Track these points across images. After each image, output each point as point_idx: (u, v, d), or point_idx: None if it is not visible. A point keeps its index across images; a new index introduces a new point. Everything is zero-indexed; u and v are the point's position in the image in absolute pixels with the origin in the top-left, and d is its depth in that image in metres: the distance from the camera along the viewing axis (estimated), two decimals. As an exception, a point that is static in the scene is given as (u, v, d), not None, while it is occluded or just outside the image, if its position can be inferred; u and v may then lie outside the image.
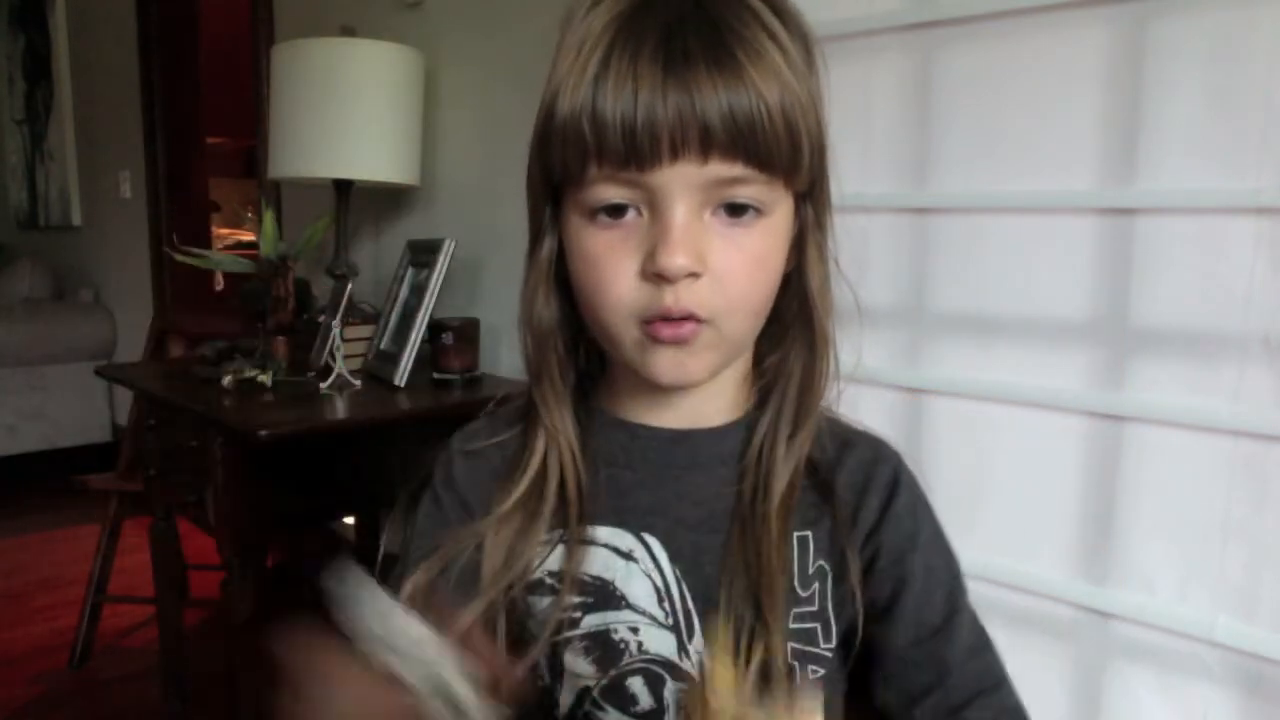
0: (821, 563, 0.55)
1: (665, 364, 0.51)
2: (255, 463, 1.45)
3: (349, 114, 1.74)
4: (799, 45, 0.51)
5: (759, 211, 0.50)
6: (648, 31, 0.47)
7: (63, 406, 3.55)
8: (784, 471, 0.54)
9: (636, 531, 0.55)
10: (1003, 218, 0.98)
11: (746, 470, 0.56)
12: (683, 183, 0.48)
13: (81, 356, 3.54)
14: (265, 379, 1.61)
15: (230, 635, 1.49)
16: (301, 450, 1.50)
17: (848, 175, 1.12)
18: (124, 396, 3.32)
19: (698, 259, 0.48)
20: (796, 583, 0.54)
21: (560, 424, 0.56)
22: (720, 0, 0.49)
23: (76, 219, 3.90)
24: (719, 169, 0.47)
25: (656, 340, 0.50)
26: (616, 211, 0.49)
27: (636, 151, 0.47)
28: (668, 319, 0.49)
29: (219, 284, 3.36)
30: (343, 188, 1.85)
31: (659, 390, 0.54)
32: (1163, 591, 0.90)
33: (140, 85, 3.24)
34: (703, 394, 0.56)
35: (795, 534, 0.55)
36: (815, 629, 0.54)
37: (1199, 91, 0.84)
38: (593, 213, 0.50)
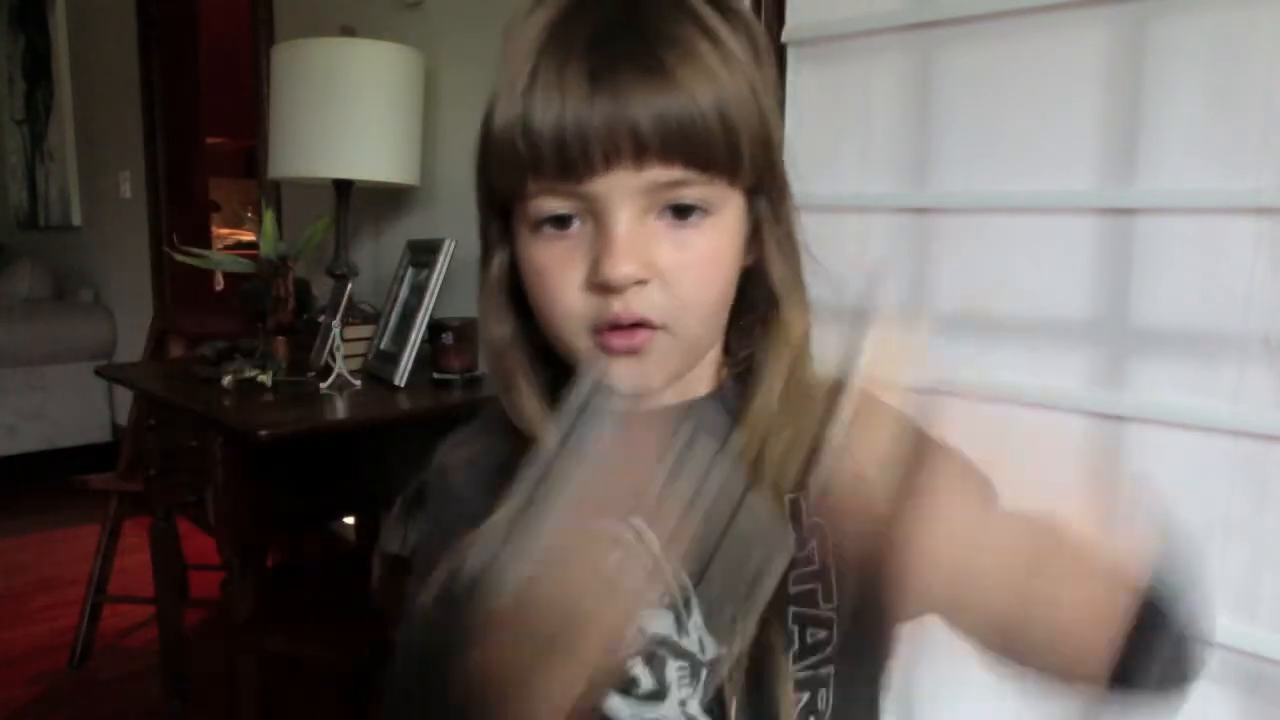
0: (811, 522, 0.53)
1: (622, 373, 0.50)
2: (255, 463, 1.45)
3: (349, 114, 1.74)
4: (741, 37, 0.50)
5: (705, 211, 0.49)
6: (575, 40, 0.47)
7: (63, 406, 3.55)
8: (773, 462, 0.53)
9: (621, 517, 0.55)
10: (1003, 218, 0.98)
11: (725, 450, 0.54)
12: (621, 190, 0.47)
13: (81, 356, 3.54)
14: (265, 379, 1.60)
15: (230, 635, 1.49)
16: (301, 450, 1.50)
17: (848, 175, 1.13)
18: (124, 396, 3.32)
19: (644, 265, 0.47)
20: (796, 540, 0.52)
21: (536, 428, 0.55)
22: (648, 2, 0.48)
23: (76, 219, 3.90)
24: (657, 174, 0.47)
25: (609, 350, 0.49)
26: (561, 222, 0.49)
27: (570, 163, 0.47)
28: (618, 327, 0.49)
29: (219, 284, 3.37)
30: (343, 188, 1.85)
31: None
32: (1163, 591, 0.90)
33: (140, 85, 3.24)
34: (673, 387, 0.55)
35: (786, 498, 0.53)
36: (815, 589, 0.53)
37: (1199, 91, 0.84)
38: (538, 225, 0.50)
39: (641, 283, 0.48)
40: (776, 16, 1.17)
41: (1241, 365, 0.83)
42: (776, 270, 0.54)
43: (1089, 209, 0.92)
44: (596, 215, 0.48)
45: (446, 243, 1.67)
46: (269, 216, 1.80)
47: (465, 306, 1.85)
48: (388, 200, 2.09)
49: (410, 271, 1.76)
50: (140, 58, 3.23)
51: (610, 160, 0.46)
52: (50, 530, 3.00)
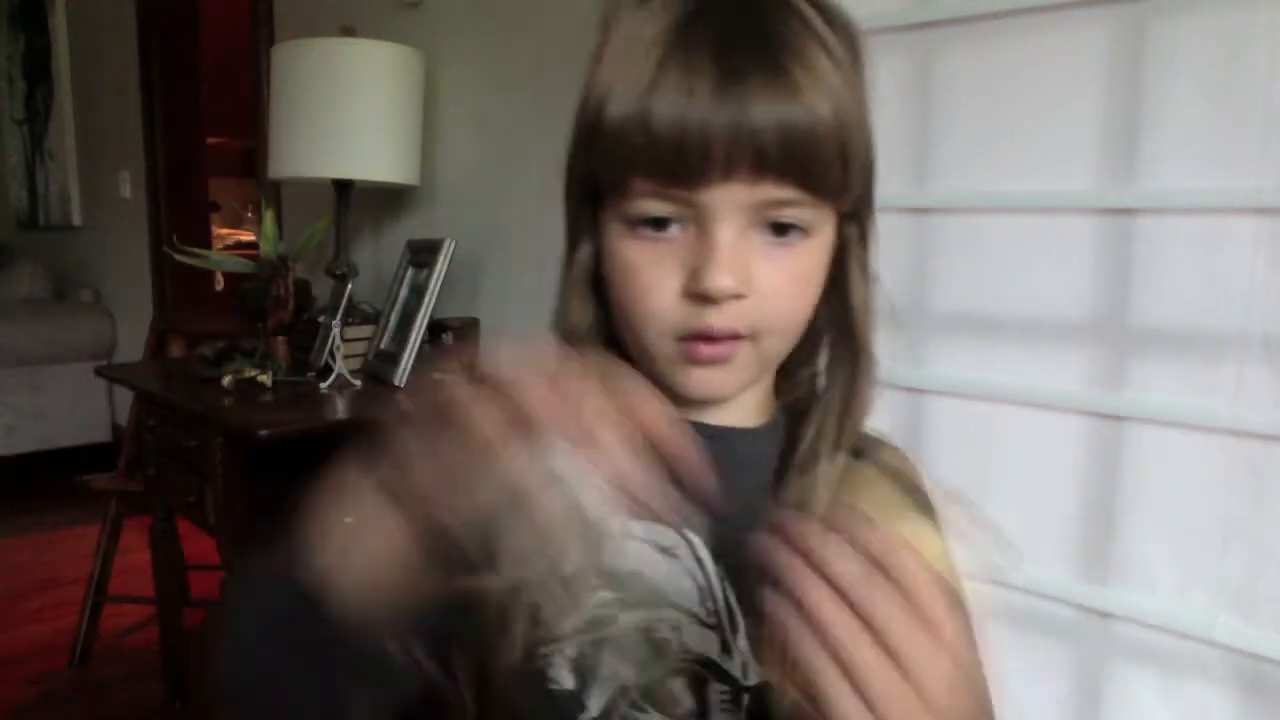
0: None
1: (698, 379, 0.50)
2: (255, 463, 1.45)
3: (349, 114, 1.74)
4: (845, 47, 0.49)
5: (804, 231, 0.49)
6: (703, 43, 0.46)
7: (63, 406, 3.55)
8: (826, 488, 0.52)
9: (678, 527, 0.53)
10: (1003, 218, 0.98)
11: (789, 481, 0.54)
12: (731, 202, 0.47)
13: (81, 356, 3.54)
14: (265, 379, 1.60)
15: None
16: (301, 450, 1.50)
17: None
18: (124, 396, 3.32)
19: (743, 280, 0.47)
20: None
21: None
22: (772, 10, 0.47)
23: (76, 219, 3.90)
24: (770, 191, 0.46)
25: (693, 359, 0.49)
26: (659, 224, 0.48)
27: (687, 168, 0.46)
28: (708, 338, 0.48)
29: (219, 284, 3.36)
30: (343, 188, 1.85)
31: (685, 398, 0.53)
32: (1163, 591, 0.90)
33: (140, 85, 3.24)
34: (732, 399, 0.55)
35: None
36: None
37: (1199, 91, 0.84)
38: (634, 223, 0.49)
39: (739, 297, 0.47)
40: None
41: (1241, 365, 0.83)
42: (858, 295, 0.54)
43: (1089, 209, 0.92)
44: (699, 223, 0.47)
45: (446, 243, 1.67)
46: (269, 216, 1.80)
47: (465, 306, 1.85)
48: (388, 200, 2.09)
49: (410, 271, 1.76)
50: (140, 58, 3.23)
51: (729, 171, 0.46)
52: (50, 530, 3.00)
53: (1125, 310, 0.90)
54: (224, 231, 4.53)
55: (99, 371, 1.93)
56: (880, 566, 0.36)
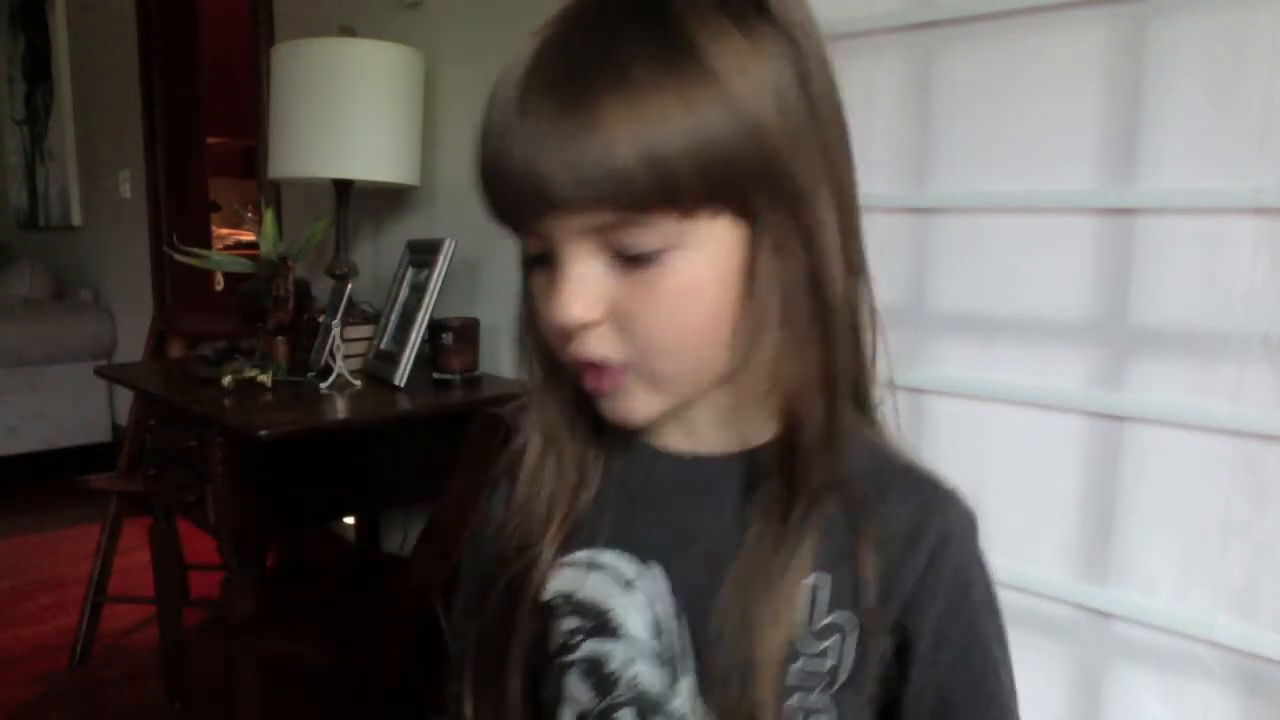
0: (836, 616, 0.49)
1: (605, 408, 0.49)
2: (255, 463, 1.45)
3: (349, 114, 1.74)
4: (760, 41, 0.44)
5: (665, 249, 0.44)
6: (518, 78, 0.44)
7: (63, 406, 3.55)
8: (799, 519, 0.48)
9: (643, 559, 0.52)
10: (1003, 218, 0.98)
11: (757, 509, 0.49)
12: (565, 230, 0.44)
13: (81, 356, 3.54)
14: (265, 379, 1.60)
15: (230, 635, 1.49)
16: (301, 450, 1.50)
17: (848, 175, 1.13)
18: (124, 396, 3.32)
19: (591, 307, 0.45)
20: (810, 631, 0.48)
21: (558, 433, 0.54)
22: (620, 29, 0.43)
23: (76, 219, 3.90)
24: (587, 219, 0.43)
25: (586, 386, 0.49)
26: (540, 258, 0.47)
27: (504, 207, 0.46)
28: (593, 367, 0.47)
29: (219, 284, 3.37)
30: (343, 188, 1.85)
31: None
32: (1163, 591, 0.90)
33: (140, 85, 3.24)
34: (706, 419, 0.52)
35: (812, 574, 0.48)
36: (823, 677, 0.49)
37: (1199, 91, 0.84)
38: (526, 258, 0.49)
39: (595, 324, 0.45)
40: (776, 16, 1.16)
41: (1241, 365, 0.83)
42: (827, 286, 0.47)
43: (1089, 209, 0.92)
44: (553, 254, 0.46)
45: (446, 243, 1.67)
46: (269, 216, 1.80)
47: (465, 306, 1.85)
48: (388, 200, 2.09)
49: (410, 271, 1.76)
50: (140, 58, 3.23)
51: (536, 207, 0.44)
52: (50, 530, 3.00)
53: (1125, 310, 0.90)
54: (224, 231, 4.52)
55: (99, 371, 1.93)
56: None
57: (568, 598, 0.52)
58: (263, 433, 1.32)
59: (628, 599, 0.51)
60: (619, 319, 0.45)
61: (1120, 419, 0.91)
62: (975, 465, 1.01)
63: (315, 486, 1.59)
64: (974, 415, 1.02)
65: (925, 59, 1.03)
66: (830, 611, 0.49)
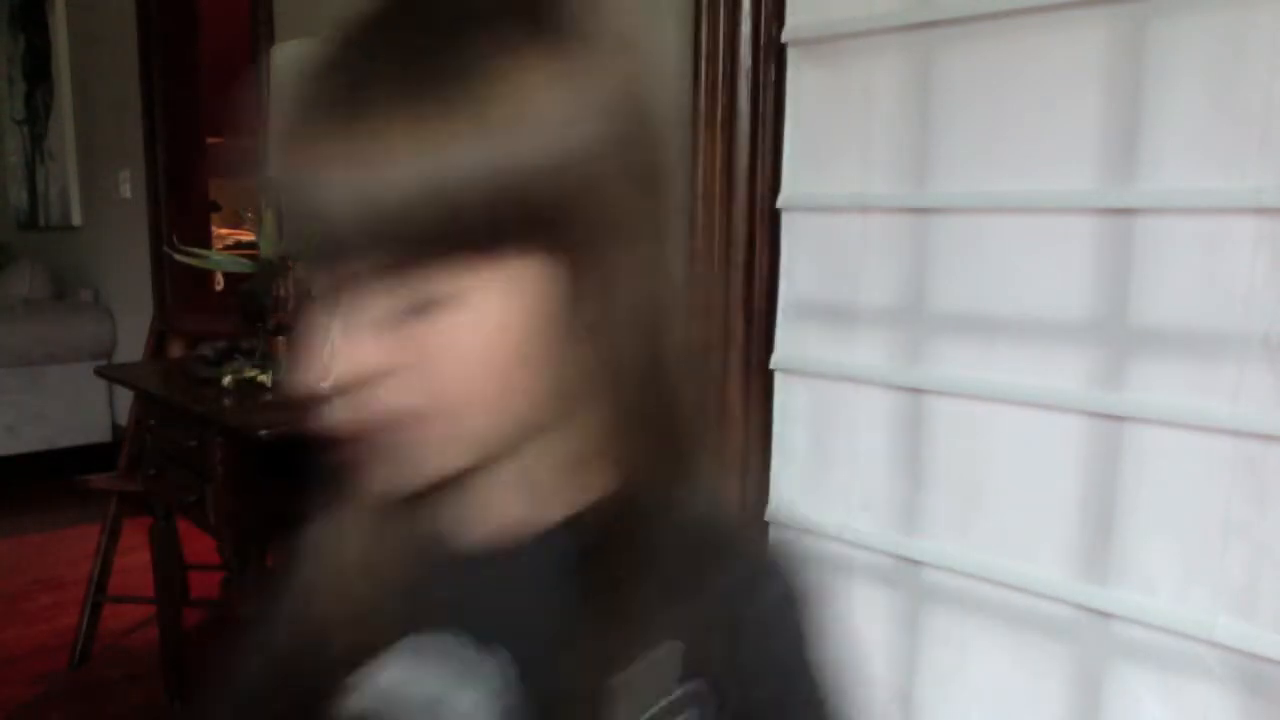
0: (692, 684, 0.44)
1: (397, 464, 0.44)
2: (255, 463, 1.45)
3: (349, 114, 1.74)
4: (559, 54, 0.39)
5: (440, 301, 0.39)
6: (306, 76, 0.41)
7: (63, 406, 3.55)
8: (637, 586, 0.43)
9: (485, 639, 0.46)
10: (1003, 218, 0.98)
11: (592, 578, 0.44)
12: (332, 279, 0.40)
13: (81, 356, 3.54)
14: (265, 379, 1.60)
15: (230, 635, 1.49)
16: (301, 450, 1.50)
17: (848, 175, 1.13)
18: (124, 396, 3.32)
19: (359, 364, 0.40)
20: (662, 706, 0.43)
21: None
22: (406, 34, 0.38)
23: (76, 219, 3.90)
24: (353, 266, 0.39)
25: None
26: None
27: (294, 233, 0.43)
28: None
29: (219, 284, 3.37)
30: (343, 188, 1.85)
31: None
32: (1163, 591, 0.90)
33: (140, 85, 3.24)
34: (522, 478, 0.45)
35: (656, 646, 0.43)
36: None
37: (1199, 91, 0.84)
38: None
39: (369, 381, 0.40)
40: (776, 16, 1.17)
41: (1241, 365, 0.83)
42: (595, 339, 0.41)
43: (1089, 209, 0.92)
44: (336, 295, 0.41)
45: (446, 243, 1.66)
46: (269, 216, 1.79)
47: (465, 306, 1.85)
48: (388, 200, 2.08)
49: (410, 271, 1.76)
50: (140, 58, 3.23)
51: (305, 250, 0.40)
52: (50, 530, 3.00)
53: (1125, 310, 0.90)
54: (224, 231, 4.52)
55: (99, 371, 1.93)
56: None
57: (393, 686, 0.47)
58: (263, 433, 1.32)
59: (460, 683, 0.46)
60: (409, 368, 0.40)
61: (1120, 419, 0.91)
62: (975, 465, 1.01)
63: (315, 487, 1.59)
64: (974, 415, 1.02)
65: (925, 59, 1.03)
66: (683, 683, 0.44)
